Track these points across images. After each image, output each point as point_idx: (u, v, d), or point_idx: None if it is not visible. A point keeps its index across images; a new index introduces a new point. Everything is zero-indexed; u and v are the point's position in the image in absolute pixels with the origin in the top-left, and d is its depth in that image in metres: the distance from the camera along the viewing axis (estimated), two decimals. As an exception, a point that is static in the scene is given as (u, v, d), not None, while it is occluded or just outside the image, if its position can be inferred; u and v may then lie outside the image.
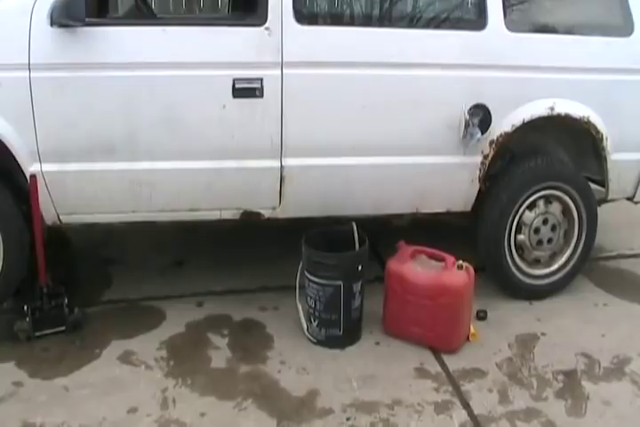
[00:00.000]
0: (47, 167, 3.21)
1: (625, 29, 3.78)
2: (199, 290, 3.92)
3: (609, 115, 3.76)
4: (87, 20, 3.04)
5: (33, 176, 3.17)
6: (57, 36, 3.06)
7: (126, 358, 3.28)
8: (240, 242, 4.45)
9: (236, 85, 3.24)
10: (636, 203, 4.13)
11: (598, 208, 3.97)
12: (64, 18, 3.01)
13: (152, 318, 3.64)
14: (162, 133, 3.26)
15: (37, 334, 3.36)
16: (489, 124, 3.54)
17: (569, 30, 3.71)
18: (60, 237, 3.94)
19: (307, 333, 3.48)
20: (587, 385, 3.18)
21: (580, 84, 3.69)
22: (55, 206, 3.32)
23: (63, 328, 3.41)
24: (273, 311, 3.74)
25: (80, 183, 3.29)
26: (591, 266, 4.23)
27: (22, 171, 3.22)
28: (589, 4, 3.88)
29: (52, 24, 3.04)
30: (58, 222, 3.40)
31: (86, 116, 3.17)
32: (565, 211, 3.90)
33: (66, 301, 3.41)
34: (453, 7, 3.62)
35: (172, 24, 3.36)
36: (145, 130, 3.25)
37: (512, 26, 3.54)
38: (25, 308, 3.33)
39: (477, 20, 3.52)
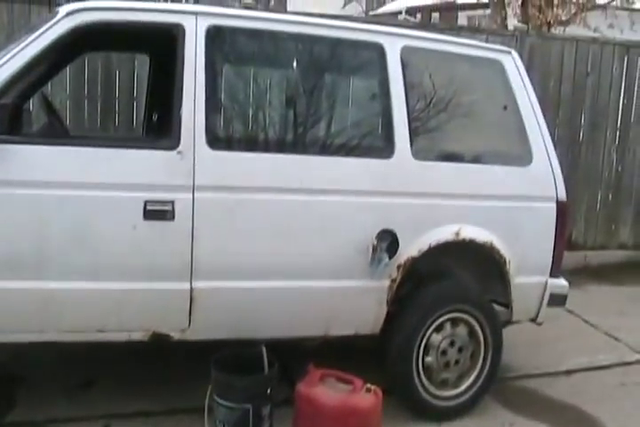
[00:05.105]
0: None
1: (524, 159, 3.99)
2: (107, 412, 3.76)
3: (511, 239, 3.90)
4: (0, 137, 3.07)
5: None
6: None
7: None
8: (155, 359, 4.34)
9: (148, 207, 3.27)
10: (539, 324, 4.23)
11: (503, 329, 4.05)
12: (-23, 134, 3.03)
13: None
14: (71, 253, 3.24)
15: None
16: (396, 249, 3.62)
17: (473, 159, 3.90)
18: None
19: (215, 458, 3.39)
20: None
21: (484, 210, 3.85)
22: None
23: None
24: (182, 435, 3.63)
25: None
26: (498, 386, 4.27)
27: None
28: (492, 135, 4.10)
29: (-36, 140, 3.05)
30: (-38, 342, 3.29)
31: (-5, 233, 3.14)
32: (471, 333, 3.95)
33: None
34: (362, 136, 3.79)
35: (85, 145, 3.36)
36: (54, 249, 3.22)
37: (418, 154, 3.69)
38: None
39: (385, 149, 3.66)
